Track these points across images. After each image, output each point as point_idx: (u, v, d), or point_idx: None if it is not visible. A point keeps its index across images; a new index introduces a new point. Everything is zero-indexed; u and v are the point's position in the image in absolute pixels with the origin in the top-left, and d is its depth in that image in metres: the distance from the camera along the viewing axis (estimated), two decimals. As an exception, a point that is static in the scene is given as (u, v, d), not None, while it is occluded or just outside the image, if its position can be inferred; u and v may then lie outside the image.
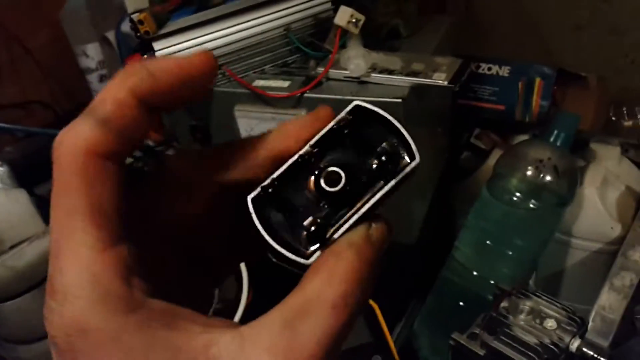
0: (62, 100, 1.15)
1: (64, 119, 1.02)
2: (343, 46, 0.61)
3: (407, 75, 0.58)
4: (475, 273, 0.65)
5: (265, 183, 0.20)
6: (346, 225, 0.20)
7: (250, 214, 0.20)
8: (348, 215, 0.20)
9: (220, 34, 0.64)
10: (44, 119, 1.09)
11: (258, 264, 0.64)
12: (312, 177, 0.20)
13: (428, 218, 0.69)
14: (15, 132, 0.95)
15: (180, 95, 0.19)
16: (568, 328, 0.54)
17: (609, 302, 0.58)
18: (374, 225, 0.20)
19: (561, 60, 0.80)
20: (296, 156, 0.20)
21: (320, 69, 0.61)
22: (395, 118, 0.21)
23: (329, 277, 0.18)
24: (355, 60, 0.58)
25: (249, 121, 0.65)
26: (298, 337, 0.17)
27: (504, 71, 0.77)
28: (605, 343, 0.53)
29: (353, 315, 0.18)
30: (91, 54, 0.96)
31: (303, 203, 0.20)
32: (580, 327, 0.54)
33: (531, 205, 0.66)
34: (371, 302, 0.60)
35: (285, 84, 0.63)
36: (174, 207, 0.21)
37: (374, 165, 0.21)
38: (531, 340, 0.54)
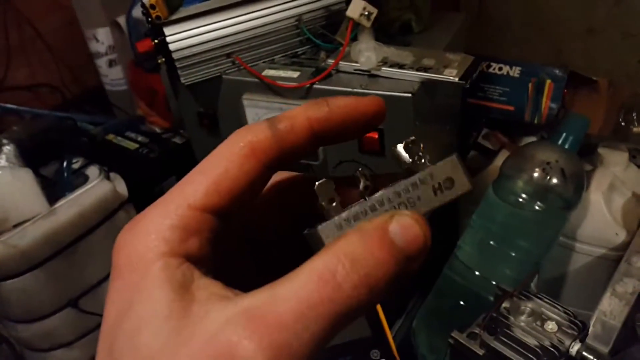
0: (70, 84, 1.15)
1: (71, 102, 1.03)
2: (354, 39, 0.61)
3: (418, 70, 0.58)
4: (477, 273, 0.65)
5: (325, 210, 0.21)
6: (355, 210, 0.19)
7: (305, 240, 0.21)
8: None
9: (231, 22, 0.64)
10: (52, 101, 1.09)
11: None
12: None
13: (432, 216, 0.69)
14: (23, 114, 0.95)
15: (346, 130, 0.22)
16: (569, 331, 0.54)
17: (611, 308, 0.58)
18: (396, 217, 0.18)
19: (572, 63, 0.79)
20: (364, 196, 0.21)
21: (331, 61, 0.61)
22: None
23: (323, 251, 0.17)
24: (366, 53, 0.58)
25: (256, 110, 0.65)
26: (274, 298, 0.17)
27: (515, 72, 0.77)
28: (605, 349, 0.53)
29: (343, 299, 0.17)
30: (101, 39, 0.96)
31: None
32: (581, 331, 0.53)
33: (536, 207, 0.65)
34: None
35: (295, 74, 0.63)
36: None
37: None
38: (531, 341, 0.53)
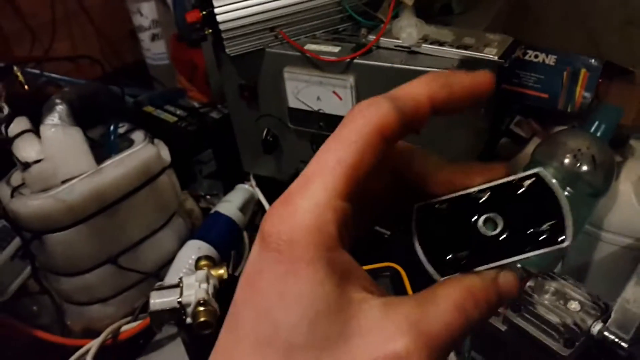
0: (110, 57, 1.18)
1: (110, 75, 1.06)
2: (395, 16, 0.62)
3: (458, 48, 0.59)
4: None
5: (434, 200, 0.23)
6: (482, 268, 0.23)
7: (411, 219, 0.23)
8: (489, 263, 0.23)
9: (278, -4, 0.66)
10: (92, 74, 1.12)
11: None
12: (474, 215, 0.23)
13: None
14: (65, 84, 0.98)
15: (463, 105, 0.23)
16: (591, 312, 0.54)
17: (635, 297, 0.58)
18: (503, 272, 0.23)
19: (609, 54, 0.79)
20: (469, 191, 0.23)
21: (372, 37, 0.63)
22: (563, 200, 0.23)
23: (457, 288, 0.22)
24: (408, 29, 0.59)
25: (296, 83, 0.67)
26: (428, 315, 0.20)
27: (550, 60, 0.77)
28: (626, 336, 0.53)
29: (464, 328, 0.21)
30: (145, 13, 0.98)
31: (456, 230, 0.23)
32: (603, 312, 0.54)
33: (566, 193, 0.66)
34: (398, 267, 0.62)
35: (336, 49, 0.65)
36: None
37: (529, 230, 0.23)
38: (554, 319, 0.54)
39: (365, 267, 0.23)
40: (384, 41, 0.62)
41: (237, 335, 0.20)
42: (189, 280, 0.53)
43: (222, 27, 0.65)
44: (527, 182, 0.23)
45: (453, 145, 0.65)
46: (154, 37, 1.00)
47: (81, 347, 0.63)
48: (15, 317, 0.68)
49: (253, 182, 0.82)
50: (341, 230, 0.20)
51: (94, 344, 0.62)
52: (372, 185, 0.24)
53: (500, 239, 0.23)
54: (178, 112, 0.92)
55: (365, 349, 0.19)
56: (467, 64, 0.58)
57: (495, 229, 0.23)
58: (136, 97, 0.96)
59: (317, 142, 0.72)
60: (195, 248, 0.69)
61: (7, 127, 0.65)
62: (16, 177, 0.66)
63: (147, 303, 0.53)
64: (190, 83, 0.96)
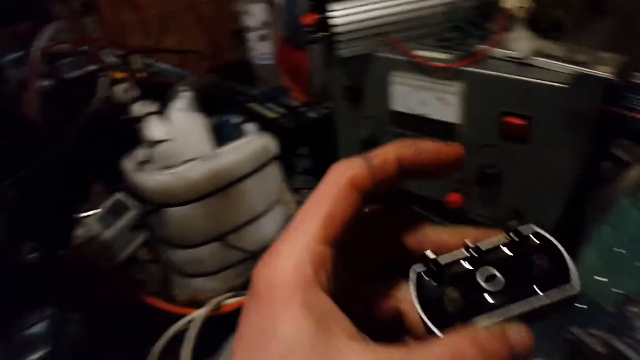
0: (214, 55, 1.25)
1: (215, 71, 1.12)
2: (506, 29, 0.64)
3: (571, 63, 0.59)
4: (596, 277, 0.65)
5: (431, 259, 0.24)
6: (486, 322, 0.22)
7: (409, 281, 0.24)
8: (494, 317, 0.22)
9: (389, 4, 0.69)
10: (198, 68, 1.20)
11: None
12: (474, 272, 0.24)
13: (561, 220, 0.69)
14: (171, 74, 1.05)
15: (427, 171, 0.25)
16: (702, 344, 0.53)
17: None
18: (511, 325, 0.22)
19: None
20: (465, 253, 0.24)
21: (482, 47, 0.64)
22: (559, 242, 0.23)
23: (456, 336, 0.21)
24: (521, 41, 0.61)
25: (403, 88, 0.69)
26: (414, 355, 0.20)
27: (660, 84, 0.76)
28: None
29: None
30: (255, 14, 1.04)
31: (456, 287, 0.23)
32: None
33: (668, 221, 0.65)
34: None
35: (444, 56, 0.67)
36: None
37: (532, 282, 0.23)
38: (658, 347, 0.52)
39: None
40: (495, 51, 0.64)
41: None
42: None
43: (336, 30, 0.69)
44: (524, 238, 0.24)
45: (556, 163, 0.65)
46: (261, 38, 1.06)
47: (186, 315, 0.68)
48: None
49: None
50: (319, 271, 0.22)
51: (199, 313, 0.67)
52: (366, 245, 0.26)
53: (503, 293, 0.23)
54: (279, 109, 0.97)
55: None
56: (580, 80, 0.59)
57: (496, 285, 0.23)
58: (242, 93, 1.02)
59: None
60: (293, 235, 0.73)
61: (135, 108, 0.72)
62: (140, 154, 0.73)
63: (246, 281, 0.57)
64: (293, 83, 1.01)
